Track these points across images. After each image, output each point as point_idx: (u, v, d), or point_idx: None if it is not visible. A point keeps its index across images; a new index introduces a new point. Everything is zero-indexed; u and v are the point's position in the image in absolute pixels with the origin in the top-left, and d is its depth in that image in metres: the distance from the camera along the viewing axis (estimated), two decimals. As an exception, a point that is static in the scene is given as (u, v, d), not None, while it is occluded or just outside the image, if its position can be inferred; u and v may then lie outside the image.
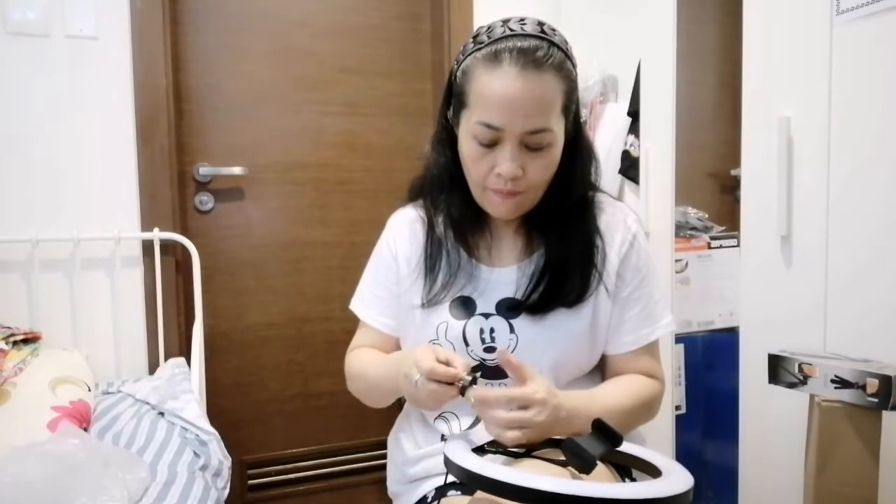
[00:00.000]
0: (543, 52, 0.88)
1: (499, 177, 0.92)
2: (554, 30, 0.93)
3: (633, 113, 1.78)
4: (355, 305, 1.13)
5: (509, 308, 0.99)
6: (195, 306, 1.79)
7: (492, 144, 0.91)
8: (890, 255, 1.13)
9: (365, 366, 1.07)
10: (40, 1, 1.66)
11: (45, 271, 1.68)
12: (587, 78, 1.89)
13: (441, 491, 0.99)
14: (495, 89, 0.88)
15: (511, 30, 0.90)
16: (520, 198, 0.95)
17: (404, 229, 1.09)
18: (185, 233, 1.82)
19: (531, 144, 0.90)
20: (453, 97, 0.97)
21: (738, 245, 1.44)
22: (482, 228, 1.04)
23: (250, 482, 2.00)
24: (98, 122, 1.73)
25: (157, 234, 1.75)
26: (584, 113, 1.89)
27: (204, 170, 1.92)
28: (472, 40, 0.94)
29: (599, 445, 0.80)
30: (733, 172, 1.88)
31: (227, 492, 1.29)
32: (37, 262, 1.66)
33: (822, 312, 1.24)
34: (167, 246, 1.79)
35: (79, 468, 1.03)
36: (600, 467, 0.90)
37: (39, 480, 0.99)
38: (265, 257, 2.01)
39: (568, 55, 0.92)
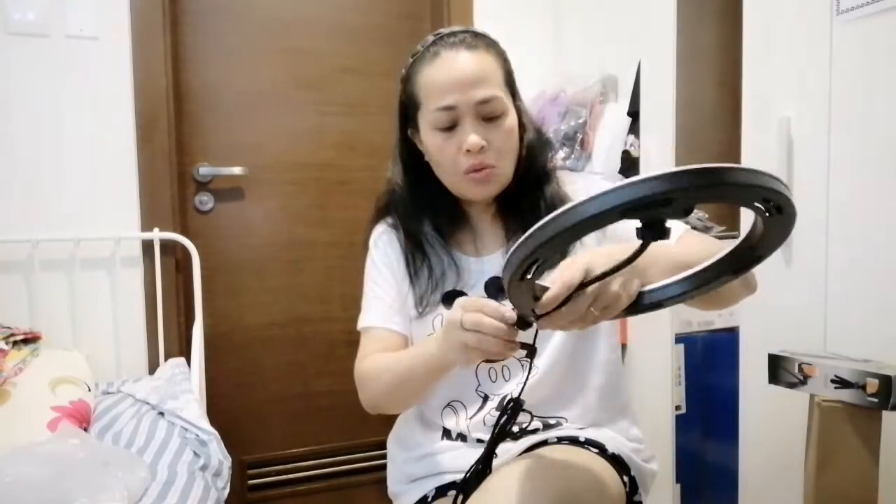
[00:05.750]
0: (471, 38, 0.99)
1: (468, 154, 0.95)
2: (478, 30, 1.03)
3: (633, 113, 1.78)
4: (363, 320, 1.08)
5: (500, 288, 0.99)
6: (195, 306, 1.79)
7: (452, 126, 0.97)
8: (890, 255, 1.13)
9: (390, 360, 0.99)
10: (40, 1, 1.66)
11: (45, 271, 1.68)
12: (587, 78, 1.89)
13: (441, 491, 1.00)
14: (440, 74, 0.96)
15: (439, 34, 1.00)
16: (494, 171, 0.98)
17: (382, 243, 1.10)
18: (185, 233, 1.82)
19: (486, 114, 0.96)
20: (407, 109, 1.03)
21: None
22: (462, 224, 1.06)
23: (250, 482, 2.00)
24: (98, 122, 1.73)
25: (157, 234, 1.75)
26: (584, 113, 1.89)
27: (204, 170, 1.92)
28: (410, 57, 1.02)
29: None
30: (733, 172, 1.87)
31: (227, 492, 1.29)
32: (37, 262, 1.66)
33: (822, 312, 1.24)
34: (167, 246, 1.79)
35: (79, 468, 1.03)
36: (601, 462, 0.91)
37: (39, 480, 0.99)
38: (265, 257, 2.01)
39: (495, 42, 1.02)
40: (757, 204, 0.58)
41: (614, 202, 0.52)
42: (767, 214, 0.59)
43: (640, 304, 0.75)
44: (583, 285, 0.70)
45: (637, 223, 0.60)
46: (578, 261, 0.73)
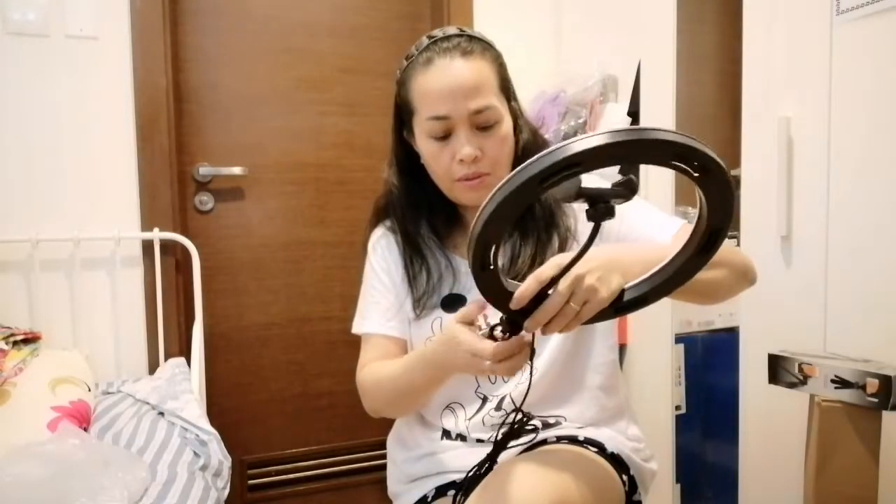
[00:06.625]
0: (466, 43, 0.97)
1: (461, 163, 0.95)
2: (473, 32, 1.02)
3: (633, 113, 1.78)
4: (358, 325, 1.09)
5: None
6: (195, 306, 1.79)
7: (446, 136, 0.96)
8: (890, 255, 1.13)
9: (390, 369, 0.99)
10: (40, 1, 1.66)
11: (45, 271, 1.68)
12: (587, 78, 1.89)
13: (441, 490, 1.00)
14: (434, 83, 0.95)
15: (434, 37, 0.99)
16: (488, 179, 0.97)
17: (381, 247, 1.09)
18: (185, 233, 1.82)
19: (480, 123, 0.95)
20: (402, 113, 1.03)
21: (738, 245, 1.44)
22: (459, 226, 1.06)
23: (250, 482, 2.00)
24: (98, 122, 1.73)
25: (157, 234, 1.75)
26: (584, 113, 1.89)
27: (204, 170, 1.92)
28: (405, 59, 1.01)
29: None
30: (733, 172, 1.87)
31: (227, 492, 1.29)
32: (37, 262, 1.66)
33: (822, 312, 1.24)
34: (167, 246, 1.79)
35: (79, 468, 1.03)
36: (600, 461, 0.91)
37: (39, 480, 0.99)
38: (265, 257, 2.01)
39: (491, 45, 1.01)
40: (676, 163, 0.61)
41: (530, 173, 0.59)
42: (696, 175, 0.63)
43: (625, 302, 0.76)
44: (556, 281, 0.72)
45: (600, 208, 0.65)
46: (553, 259, 0.74)
